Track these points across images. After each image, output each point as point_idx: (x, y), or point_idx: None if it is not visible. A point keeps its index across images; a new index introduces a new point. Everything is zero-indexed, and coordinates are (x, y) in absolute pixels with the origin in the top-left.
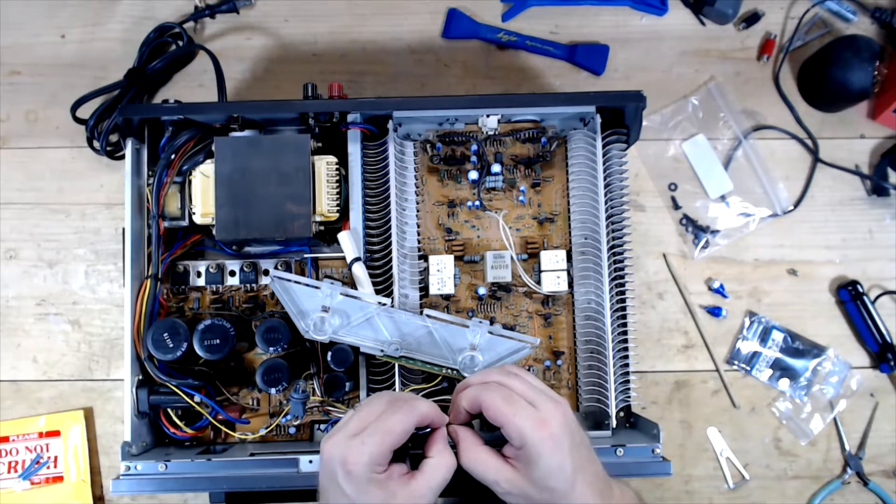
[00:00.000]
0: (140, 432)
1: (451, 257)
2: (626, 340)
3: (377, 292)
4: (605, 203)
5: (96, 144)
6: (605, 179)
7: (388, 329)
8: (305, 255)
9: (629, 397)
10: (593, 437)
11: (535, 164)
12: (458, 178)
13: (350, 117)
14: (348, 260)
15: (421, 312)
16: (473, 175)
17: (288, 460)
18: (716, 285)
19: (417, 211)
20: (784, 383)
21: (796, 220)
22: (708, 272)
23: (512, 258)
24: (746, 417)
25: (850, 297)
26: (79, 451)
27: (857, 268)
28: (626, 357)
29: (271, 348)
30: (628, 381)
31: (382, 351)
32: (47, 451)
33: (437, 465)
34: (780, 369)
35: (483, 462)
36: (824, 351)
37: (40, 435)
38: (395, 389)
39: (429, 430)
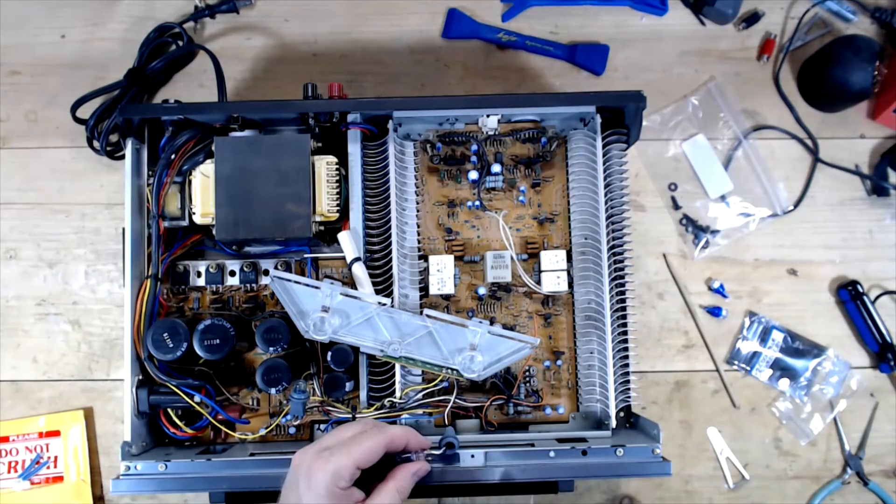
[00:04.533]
0: (140, 432)
1: (451, 257)
2: (626, 340)
3: (377, 292)
4: (605, 203)
5: (96, 144)
6: (605, 179)
7: (388, 329)
8: (305, 255)
9: (629, 397)
10: (593, 438)
11: (535, 164)
12: (458, 178)
13: (350, 117)
14: (348, 260)
15: (421, 312)
16: (473, 175)
17: (288, 460)
18: (716, 285)
19: (417, 211)
20: (784, 383)
21: (796, 220)
22: (708, 272)
23: (512, 258)
24: (746, 417)
25: (850, 297)
26: (79, 451)
27: (857, 268)
28: (626, 357)
29: (271, 348)
30: (628, 381)
31: (382, 351)
32: (47, 451)
33: (387, 491)
34: (780, 369)
35: None
36: (824, 351)
37: (40, 435)
38: (394, 391)
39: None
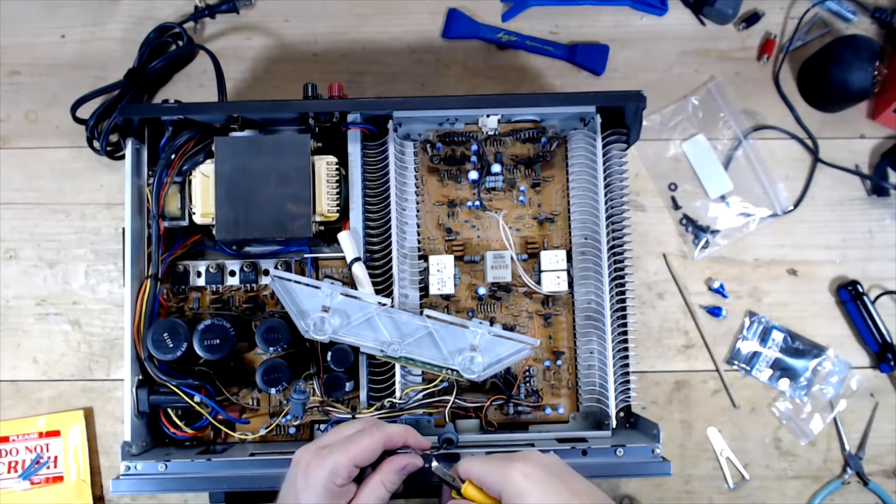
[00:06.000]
0: (140, 432)
1: (451, 257)
2: (626, 340)
3: (377, 292)
4: (605, 203)
5: (96, 144)
6: (605, 179)
7: (388, 329)
8: (305, 255)
9: (629, 397)
10: (593, 438)
11: (535, 164)
12: (458, 178)
13: (350, 117)
14: (348, 260)
15: (421, 312)
16: (473, 175)
17: (288, 460)
18: (716, 285)
19: (417, 211)
20: (784, 383)
21: (796, 220)
22: (708, 272)
23: (512, 258)
24: (746, 417)
25: (850, 297)
26: (79, 451)
27: (857, 268)
28: (626, 357)
29: (271, 348)
30: (628, 381)
31: (382, 351)
32: (47, 451)
33: (372, 484)
34: (780, 369)
35: None
36: (824, 351)
37: (40, 435)
38: (394, 391)
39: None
